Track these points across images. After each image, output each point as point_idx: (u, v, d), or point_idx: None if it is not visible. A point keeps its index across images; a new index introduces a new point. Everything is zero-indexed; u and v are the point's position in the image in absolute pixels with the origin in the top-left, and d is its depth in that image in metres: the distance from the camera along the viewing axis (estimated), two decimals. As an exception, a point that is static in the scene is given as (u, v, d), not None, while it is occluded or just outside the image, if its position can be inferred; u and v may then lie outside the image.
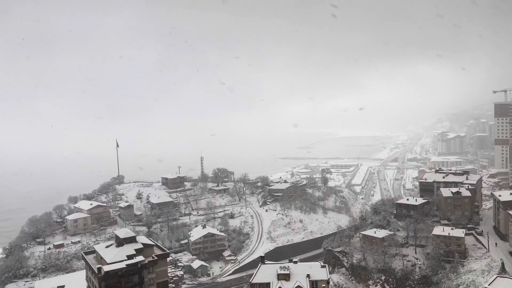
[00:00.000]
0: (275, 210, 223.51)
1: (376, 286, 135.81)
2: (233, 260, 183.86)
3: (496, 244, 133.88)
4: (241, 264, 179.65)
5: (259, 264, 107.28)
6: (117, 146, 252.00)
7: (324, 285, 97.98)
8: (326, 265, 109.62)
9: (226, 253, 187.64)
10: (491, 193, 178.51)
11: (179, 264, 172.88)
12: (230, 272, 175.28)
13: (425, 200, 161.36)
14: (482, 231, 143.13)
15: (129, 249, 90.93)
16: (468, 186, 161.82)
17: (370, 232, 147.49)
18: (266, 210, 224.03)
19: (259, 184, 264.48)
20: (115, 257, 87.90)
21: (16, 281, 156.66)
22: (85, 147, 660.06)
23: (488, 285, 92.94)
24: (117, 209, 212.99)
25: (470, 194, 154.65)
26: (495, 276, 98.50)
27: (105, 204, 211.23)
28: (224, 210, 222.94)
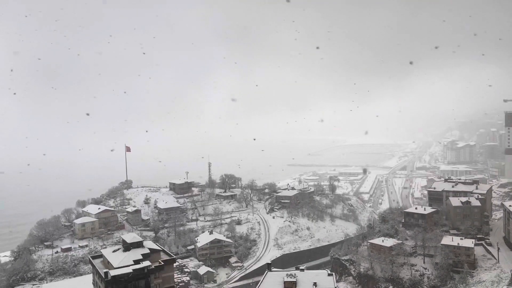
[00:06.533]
0: (282, 217, 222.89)
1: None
2: (239, 266, 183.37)
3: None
4: (248, 271, 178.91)
5: (266, 271, 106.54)
6: (127, 151, 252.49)
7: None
8: (333, 273, 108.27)
9: (232, 260, 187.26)
10: (501, 203, 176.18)
11: (186, 269, 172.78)
12: (237, 278, 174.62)
13: (434, 209, 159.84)
14: (491, 241, 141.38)
15: (136, 254, 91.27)
16: (477, 196, 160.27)
17: (378, 240, 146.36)
18: (273, 217, 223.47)
19: (266, 190, 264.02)
20: (122, 262, 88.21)
21: (23, 284, 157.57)
22: (97, 150, 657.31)
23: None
24: (125, 213, 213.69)
25: (479, 204, 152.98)
26: (505, 287, 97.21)
27: (113, 209, 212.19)
28: (231, 216, 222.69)
